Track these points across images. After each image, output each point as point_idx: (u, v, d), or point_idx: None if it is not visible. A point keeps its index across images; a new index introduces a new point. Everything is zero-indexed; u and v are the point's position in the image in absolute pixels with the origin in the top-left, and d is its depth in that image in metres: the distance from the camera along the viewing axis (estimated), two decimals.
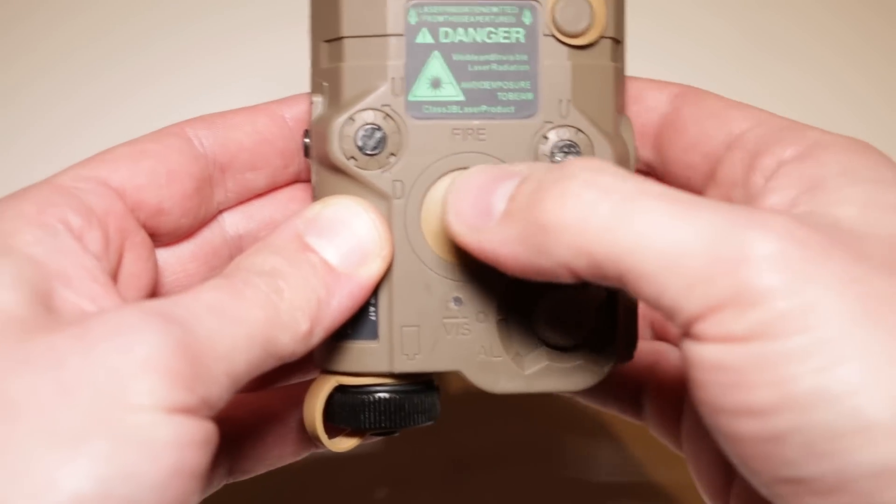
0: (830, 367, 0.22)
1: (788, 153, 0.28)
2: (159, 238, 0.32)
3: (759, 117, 0.31)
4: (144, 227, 0.31)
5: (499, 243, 0.27)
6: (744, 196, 0.30)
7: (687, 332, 0.24)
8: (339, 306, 0.29)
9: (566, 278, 0.26)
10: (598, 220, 0.24)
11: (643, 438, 0.47)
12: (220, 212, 0.34)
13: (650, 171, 0.35)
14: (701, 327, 0.23)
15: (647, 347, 0.36)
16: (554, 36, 0.31)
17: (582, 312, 0.31)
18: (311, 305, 0.28)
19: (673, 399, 0.35)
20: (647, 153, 0.34)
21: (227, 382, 0.25)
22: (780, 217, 0.24)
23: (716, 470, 0.33)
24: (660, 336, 0.38)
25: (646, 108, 0.34)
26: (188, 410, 0.23)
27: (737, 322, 0.23)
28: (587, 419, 0.48)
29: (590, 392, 0.32)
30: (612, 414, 0.47)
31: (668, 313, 0.24)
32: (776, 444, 0.23)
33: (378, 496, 0.46)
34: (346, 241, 0.29)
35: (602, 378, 0.32)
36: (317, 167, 0.32)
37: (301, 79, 0.33)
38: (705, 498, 0.34)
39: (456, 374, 0.31)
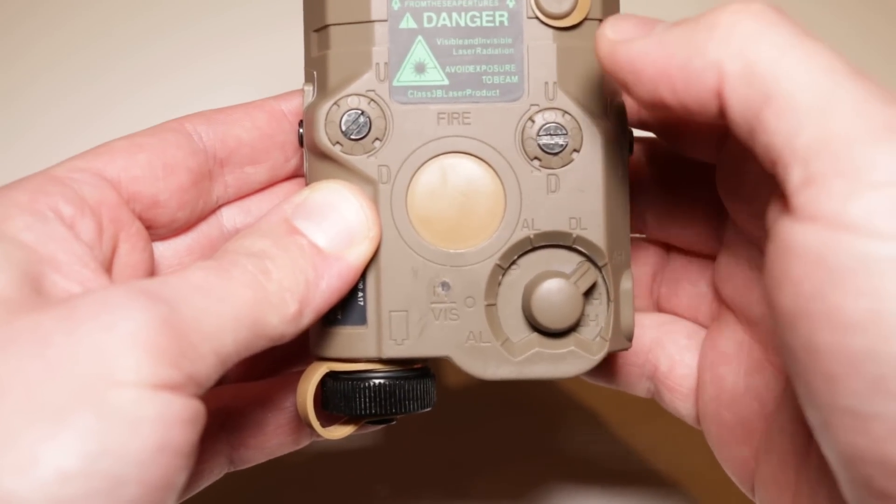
0: None
1: None
2: (156, 231, 0.32)
3: None
4: (140, 219, 0.31)
5: (652, 46, 0.26)
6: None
7: (791, 203, 0.23)
8: (328, 287, 0.29)
9: (700, 91, 0.25)
10: (770, 37, 0.24)
11: (646, 433, 0.47)
12: (220, 206, 0.34)
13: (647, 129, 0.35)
14: (813, 195, 0.22)
15: (652, 321, 0.36)
16: (538, 18, 0.31)
17: (573, 297, 0.31)
18: (299, 286, 0.28)
19: (686, 374, 0.35)
20: (642, 112, 0.34)
21: (215, 361, 0.25)
22: None
23: (739, 446, 0.33)
24: (669, 308, 0.37)
25: None
26: (174, 387, 0.23)
27: (854, 203, 0.21)
28: (589, 413, 0.47)
29: (594, 371, 0.32)
30: (611, 407, 0.47)
31: (791, 159, 0.23)
32: (849, 366, 0.22)
33: (380, 494, 0.46)
34: (333, 224, 0.30)
35: (594, 365, 0.31)
36: (308, 154, 0.32)
37: (300, 79, 0.33)
38: (728, 472, 0.34)
39: (453, 364, 0.31)
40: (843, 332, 0.22)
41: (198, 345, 0.24)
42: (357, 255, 0.30)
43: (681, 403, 0.35)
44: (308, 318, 0.28)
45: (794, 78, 0.23)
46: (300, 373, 0.32)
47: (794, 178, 0.23)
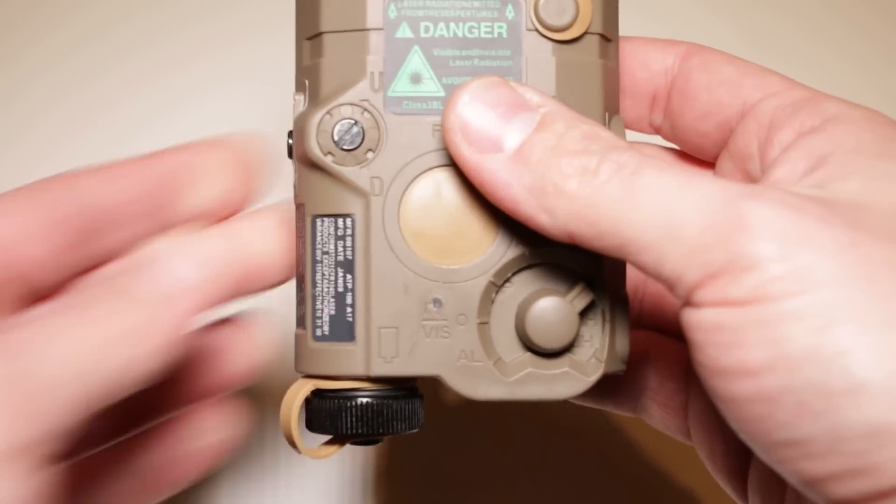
0: (824, 327, 0.23)
1: (804, 127, 0.28)
2: (34, 294, 0.29)
3: (772, 86, 0.31)
4: (14, 283, 0.29)
5: (503, 181, 0.27)
6: (760, 169, 0.30)
7: (687, 301, 0.25)
8: (191, 320, 0.27)
9: (558, 237, 0.27)
10: (607, 193, 0.25)
11: (654, 443, 0.47)
12: (100, 264, 0.31)
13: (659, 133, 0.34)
14: (700, 294, 0.24)
15: (640, 338, 0.36)
16: (537, 30, 0.30)
17: (568, 316, 0.30)
18: (162, 320, 0.26)
19: (677, 389, 0.35)
20: (657, 118, 0.34)
21: (70, 410, 0.23)
22: (775, 189, 0.25)
23: (730, 454, 0.32)
24: (653, 324, 0.37)
25: (654, 75, 0.33)
26: (13, 456, 0.21)
27: (734, 287, 0.24)
28: (593, 427, 0.47)
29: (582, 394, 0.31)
30: (609, 418, 0.47)
31: (669, 283, 0.25)
32: (770, 405, 0.24)
33: None
34: (195, 259, 0.28)
35: (589, 387, 0.31)
36: (297, 166, 0.31)
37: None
38: (721, 484, 0.34)
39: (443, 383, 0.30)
40: (754, 378, 0.24)
41: (44, 398, 0.22)
42: (220, 285, 0.29)
43: (671, 419, 0.35)
44: (175, 352, 0.26)
45: (637, 223, 0.25)
46: (159, 426, 0.30)
47: (678, 291, 0.25)
